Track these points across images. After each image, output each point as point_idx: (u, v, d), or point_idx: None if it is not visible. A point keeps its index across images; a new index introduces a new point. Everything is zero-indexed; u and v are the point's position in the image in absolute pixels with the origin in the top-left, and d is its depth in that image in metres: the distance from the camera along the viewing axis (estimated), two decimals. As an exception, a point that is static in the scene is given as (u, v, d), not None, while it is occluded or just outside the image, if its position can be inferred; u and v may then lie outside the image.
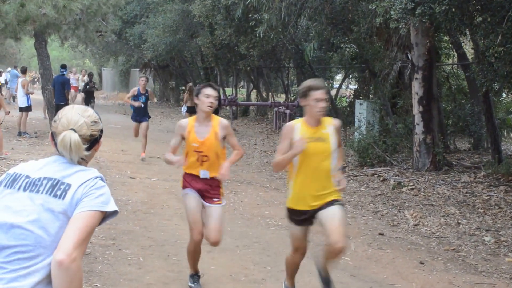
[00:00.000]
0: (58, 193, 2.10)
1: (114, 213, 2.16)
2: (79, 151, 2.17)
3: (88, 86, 20.04)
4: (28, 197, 2.11)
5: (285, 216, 4.56)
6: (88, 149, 2.22)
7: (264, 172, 11.50)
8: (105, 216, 2.15)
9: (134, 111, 12.01)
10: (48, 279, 2.04)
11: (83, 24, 18.65)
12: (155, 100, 12.56)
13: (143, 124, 11.87)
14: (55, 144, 2.22)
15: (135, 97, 11.63)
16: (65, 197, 2.09)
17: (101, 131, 2.31)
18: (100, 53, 34.29)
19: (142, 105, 11.69)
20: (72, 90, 27.07)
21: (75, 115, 2.22)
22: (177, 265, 5.43)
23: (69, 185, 2.11)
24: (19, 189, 2.15)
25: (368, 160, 11.61)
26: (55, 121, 2.24)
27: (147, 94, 11.89)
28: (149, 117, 12.23)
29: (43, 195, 2.10)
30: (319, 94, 4.10)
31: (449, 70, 16.39)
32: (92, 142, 2.25)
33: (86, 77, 24.46)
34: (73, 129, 2.17)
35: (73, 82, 26.67)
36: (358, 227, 7.48)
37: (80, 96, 25.58)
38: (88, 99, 20.14)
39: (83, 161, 2.25)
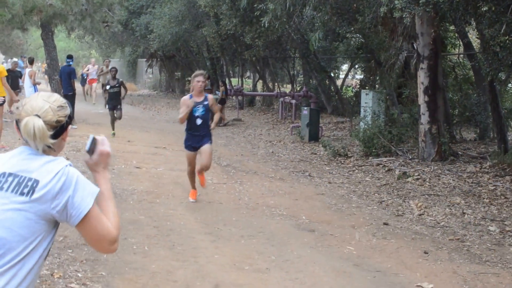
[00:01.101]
0: (25, 190, 1.97)
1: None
2: (44, 138, 2.01)
3: (109, 87, 13.38)
4: None
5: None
6: (54, 136, 2.06)
7: (269, 162, 11.52)
8: None
9: (188, 131, 7.44)
10: (19, 282, 1.94)
11: (89, 15, 18.71)
12: (220, 114, 8.77)
13: (205, 150, 7.37)
14: (21, 133, 2.06)
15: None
16: (33, 194, 1.97)
17: (69, 117, 2.13)
18: (107, 44, 34.30)
19: (200, 121, 7.31)
20: (93, 84, 23.32)
21: (40, 101, 2.07)
22: (182, 254, 5.48)
23: (36, 181, 1.98)
24: None
25: (374, 150, 11.60)
26: (17, 108, 2.08)
27: (206, 102, 7.38)
28: (211, 139, 7.57)
29: (8, 193, 1.97)
30: None
31: (455, 60, 16.30)
32: (59, 129, 2.08)
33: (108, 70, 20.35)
34: (37, 115, 2.02)
35: (93, 74, 23.76)
36: (363, 217, 7.50)
37: (95, 93, 23.16)
38: (114, 104, 13.39)
39: (50, 150, 2.08)
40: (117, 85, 13.33)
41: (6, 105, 15.98)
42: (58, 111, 2.08)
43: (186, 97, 7.48)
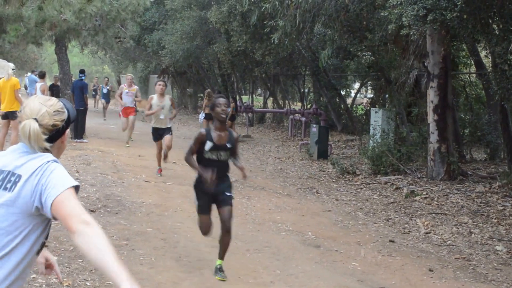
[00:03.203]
0: (8, 185, 2.05)
1: (76, 188, 2.08)
2: (38, 140, 2.10)
3: (211, 147, 5.21)
4: None
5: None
6: (50, 139, 2.15)
7: (277, 178, 11.55)
8: None
9: None
10: (4, 276, 1.99)
11: (102, 30, 18.97)
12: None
13: None
14: None
15: None
16: (14, 189, 2.03)
17: (66, 122, 2.21)
18: (119, 59, 34.72)
19: None
20: (131, 117, 14.23)
21: (38, 104, 2.16)
22: (188, 266, 5.52)
23: (19, 176, 2.06)
24: None
25: (382, 168, 11.60)
26: (20, 111, 2.19)
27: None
28: None
29: None
30: None
31: (466, 79, 16.31)
32: (55, 132, 2.17)
33: (166, 100, 10.72)
34: (35, 118, 2.12)
35: (127, 100, 14.40)
36: (369, 234, 7.50)
37: (132, 129, 14.61)
38: (215, 191, 5.25)
39: (48, 152, 2.15)
40: (228, 145, 5.31)
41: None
42: (54, 115, 2.17)
43: None
